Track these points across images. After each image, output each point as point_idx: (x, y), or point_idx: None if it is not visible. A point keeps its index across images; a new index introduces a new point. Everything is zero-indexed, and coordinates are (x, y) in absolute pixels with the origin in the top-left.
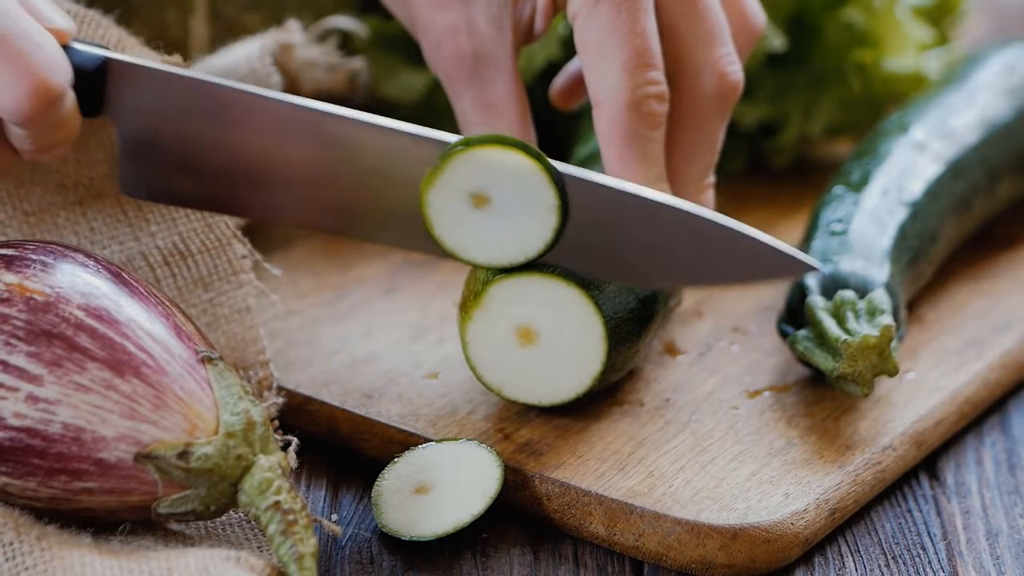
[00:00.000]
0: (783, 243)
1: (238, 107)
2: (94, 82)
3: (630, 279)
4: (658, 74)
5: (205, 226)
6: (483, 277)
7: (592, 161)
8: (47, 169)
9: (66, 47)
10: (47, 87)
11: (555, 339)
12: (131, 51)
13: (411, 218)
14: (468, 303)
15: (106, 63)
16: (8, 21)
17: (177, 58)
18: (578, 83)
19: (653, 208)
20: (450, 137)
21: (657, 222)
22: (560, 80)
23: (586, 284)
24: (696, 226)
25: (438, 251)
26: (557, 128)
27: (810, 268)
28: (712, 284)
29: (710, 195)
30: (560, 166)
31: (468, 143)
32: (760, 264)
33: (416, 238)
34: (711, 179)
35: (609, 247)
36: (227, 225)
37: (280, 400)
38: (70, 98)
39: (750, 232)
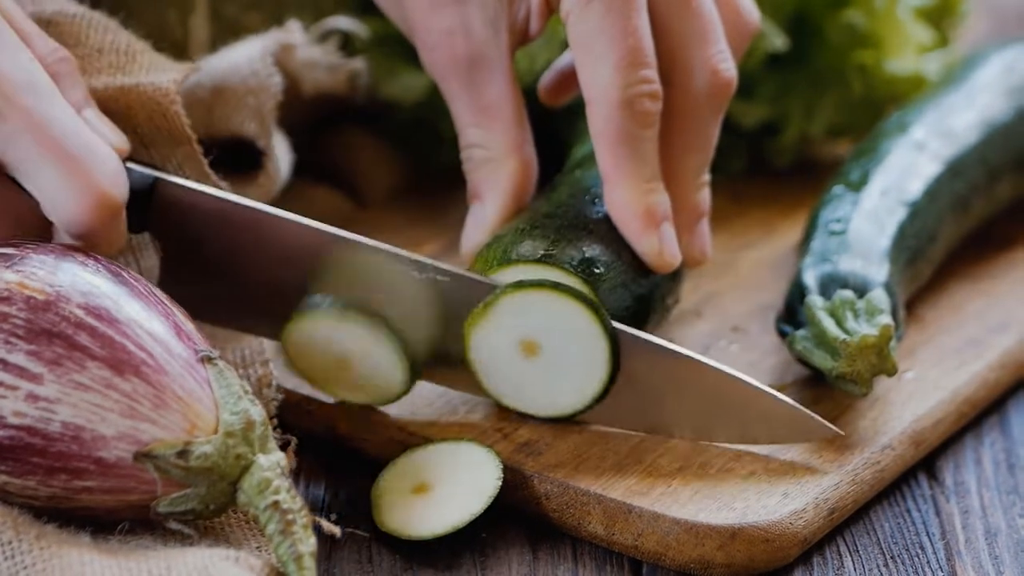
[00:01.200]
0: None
1: (277, 233)
2: (142, 200)
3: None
4: (651, 72)
5: None
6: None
7: (590, 161)
8: None
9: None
10: (109, 202)
11: (558, 354)
12: (141, 56)
13: (453, 353)
14: (476, 310)
15: (155, 183)
16: (75, 137)
17: (190, 65)
18: (566, 80)
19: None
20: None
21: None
22: (548, 77)
23: (596, 305)
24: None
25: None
26: (556, 128)
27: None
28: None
29: (705, 193)
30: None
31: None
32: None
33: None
34: (706, 177)
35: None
36: None
37: (279, 396)
38: (124, 213)
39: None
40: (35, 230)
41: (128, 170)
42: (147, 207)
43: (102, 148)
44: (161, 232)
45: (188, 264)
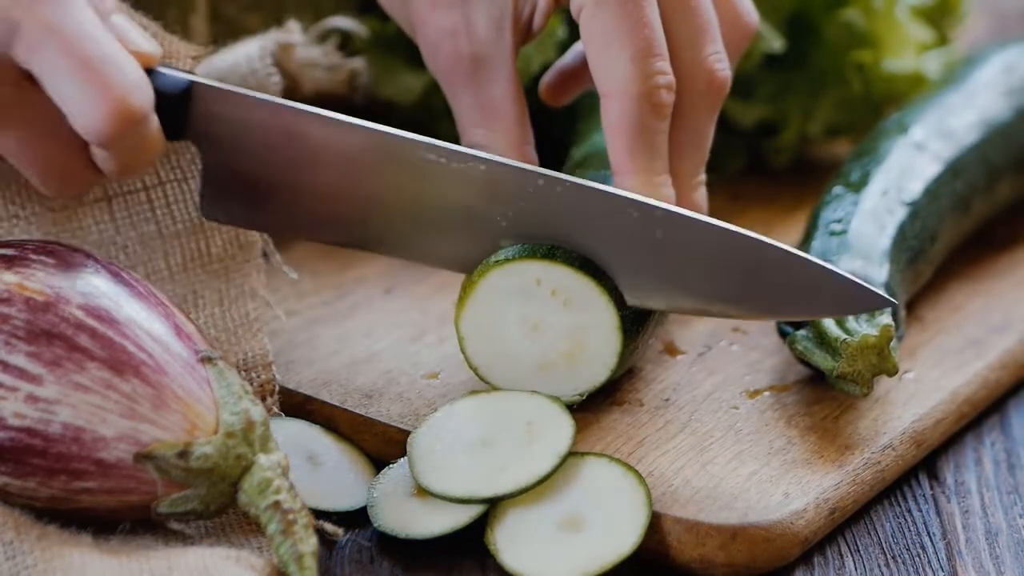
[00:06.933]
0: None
1: (320, 133)
2: (178, 106)
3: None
4: (666, 64)
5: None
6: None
7: (589, 162)
8: None
9: (152, 70)
10: (127, 108)
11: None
12: (149, 35)
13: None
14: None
15: (191, 87)
16: (92, 44)
17: (200, 48)
18: (569, 79)
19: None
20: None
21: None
22: (549, 77)
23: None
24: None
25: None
26: (555, 129)
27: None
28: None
29: (702, 192)
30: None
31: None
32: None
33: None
34: (703, 176)
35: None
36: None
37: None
38: (153, 121)
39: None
40: (72, 144)
41: (161, 75)
42: (184, 113)
43: (121, 55)
44: (200, 138)
45: (231, 170)
